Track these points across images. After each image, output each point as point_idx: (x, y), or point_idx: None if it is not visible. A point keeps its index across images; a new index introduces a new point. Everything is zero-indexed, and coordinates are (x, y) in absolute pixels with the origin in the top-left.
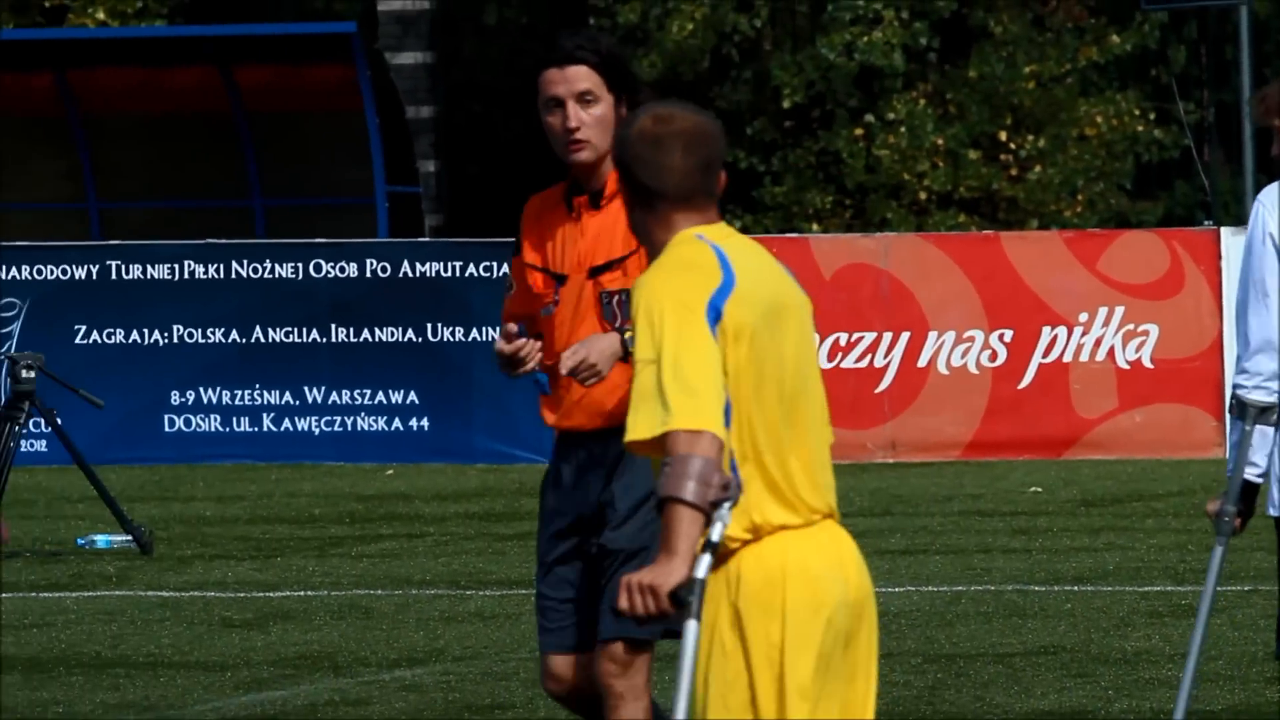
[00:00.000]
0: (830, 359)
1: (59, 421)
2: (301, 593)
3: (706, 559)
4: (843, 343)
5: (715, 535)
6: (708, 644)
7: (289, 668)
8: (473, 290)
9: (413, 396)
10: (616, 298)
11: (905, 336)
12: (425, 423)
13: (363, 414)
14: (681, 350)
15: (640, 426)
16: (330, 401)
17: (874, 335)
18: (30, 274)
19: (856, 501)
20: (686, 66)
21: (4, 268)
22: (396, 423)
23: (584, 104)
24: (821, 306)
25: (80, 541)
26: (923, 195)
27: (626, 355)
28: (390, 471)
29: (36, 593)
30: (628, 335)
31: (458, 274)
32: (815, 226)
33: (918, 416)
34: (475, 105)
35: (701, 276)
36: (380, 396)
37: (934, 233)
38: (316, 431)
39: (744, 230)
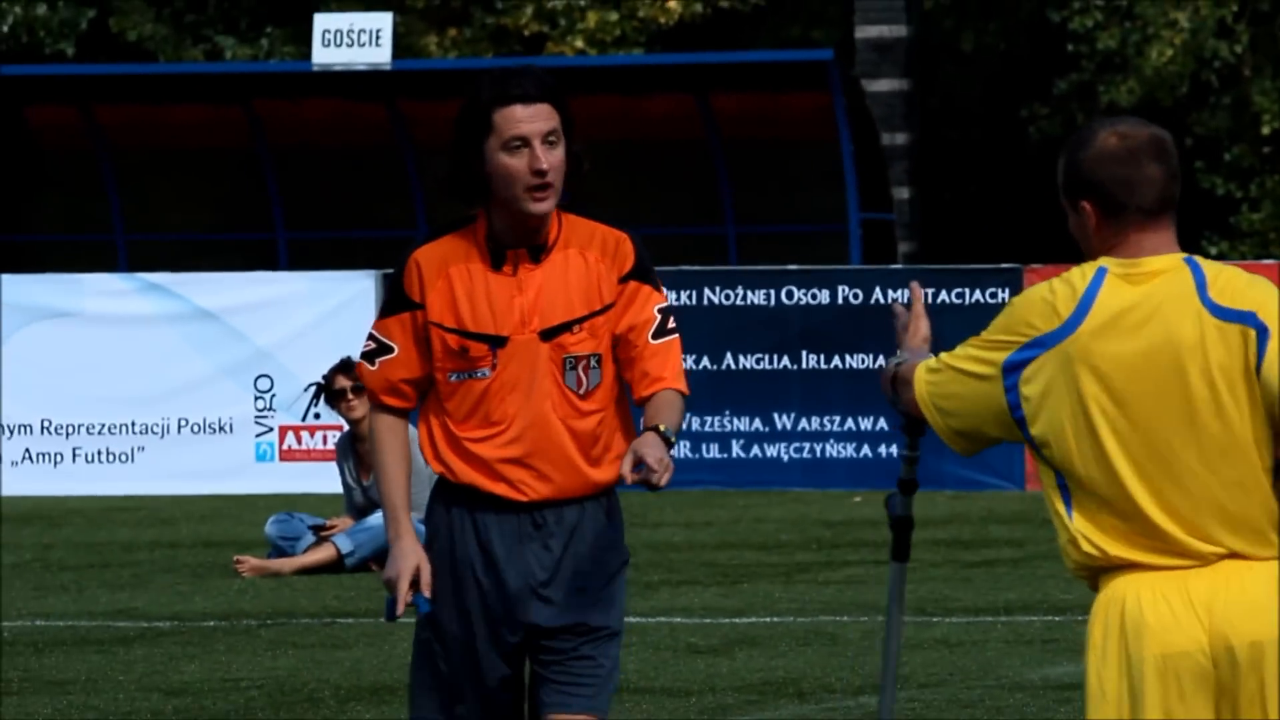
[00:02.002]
0: None
1: None
2: (768, 619)
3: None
4: None
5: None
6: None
7: (754, 694)
8: (944, 316)
9: (881, 423)
10: (584, 362)
11: None
12: (894, 449)
13: (831, 440)
14: None
15: None
16: (800, 428)
17: None
18: None
19: None
20: (1165, 93)
21: None
22: (865, 449)
23: (548, 145)
24: None
25: None
26: None
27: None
28: (858, 499)
29: None
30: (663, 429)
31: (929, 300)
32: None
33: None
34: (951, 132)
35: None
36: (850, 423)
37: None
38: (785, 458)
39: (1220, 257)
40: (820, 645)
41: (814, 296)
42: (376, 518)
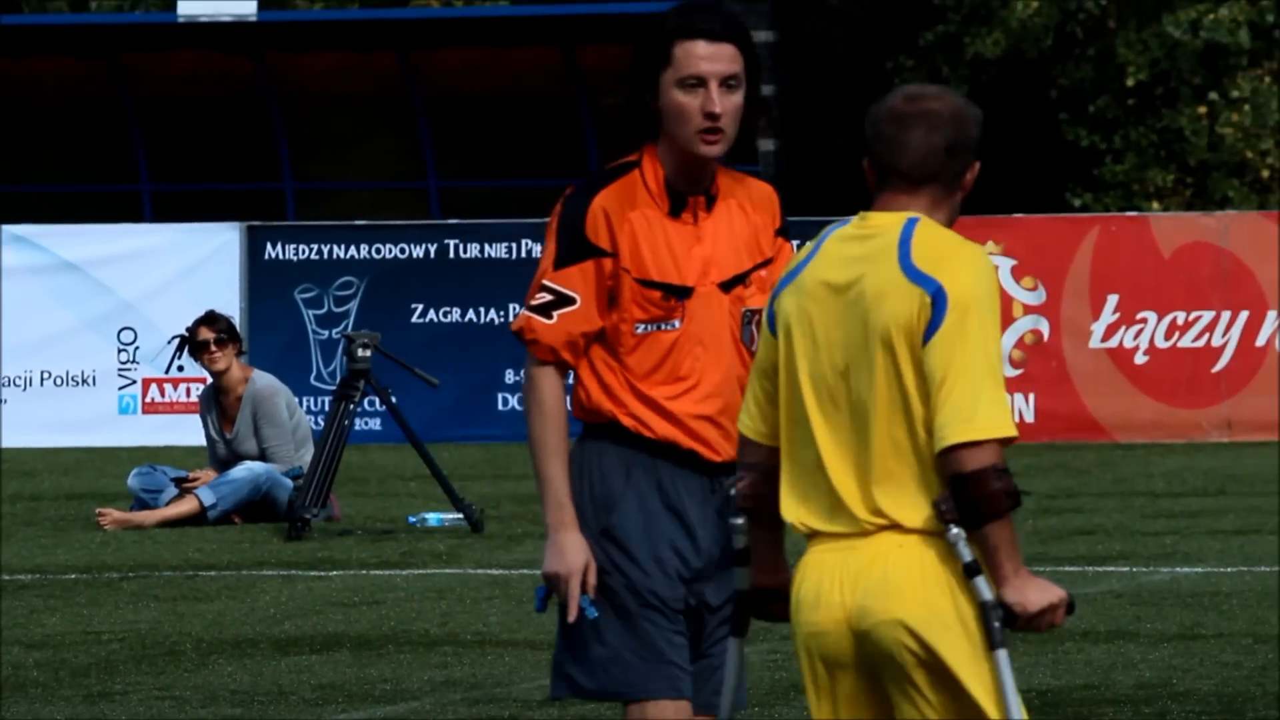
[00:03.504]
0: (1167, 338)
1: (393, 400)
2: None
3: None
4: (1180, 321)
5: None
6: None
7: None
8: None
9: None
10: (756, 317)
11: (1244, 315)
12: None
13: None
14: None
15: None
16: None
17: (1212, 314)
18: (369, 253)
19: (1190, 481)
20: (1030, 45)
21: (343, 246)
22: None
23: (727, 89)
24: (1160, 285)
25: (411, 519)
26: (1265, 173)
27: None
28: None
29: (367, 570)
30: None
31: (795, 250)
32: (1156, 205)
33: (1254, 396)
34: (817, 84)
35: None
36: None
37: (1275, 210)
38: None
39: (1084, 208)
40: None
41: None
42: (239, 470)
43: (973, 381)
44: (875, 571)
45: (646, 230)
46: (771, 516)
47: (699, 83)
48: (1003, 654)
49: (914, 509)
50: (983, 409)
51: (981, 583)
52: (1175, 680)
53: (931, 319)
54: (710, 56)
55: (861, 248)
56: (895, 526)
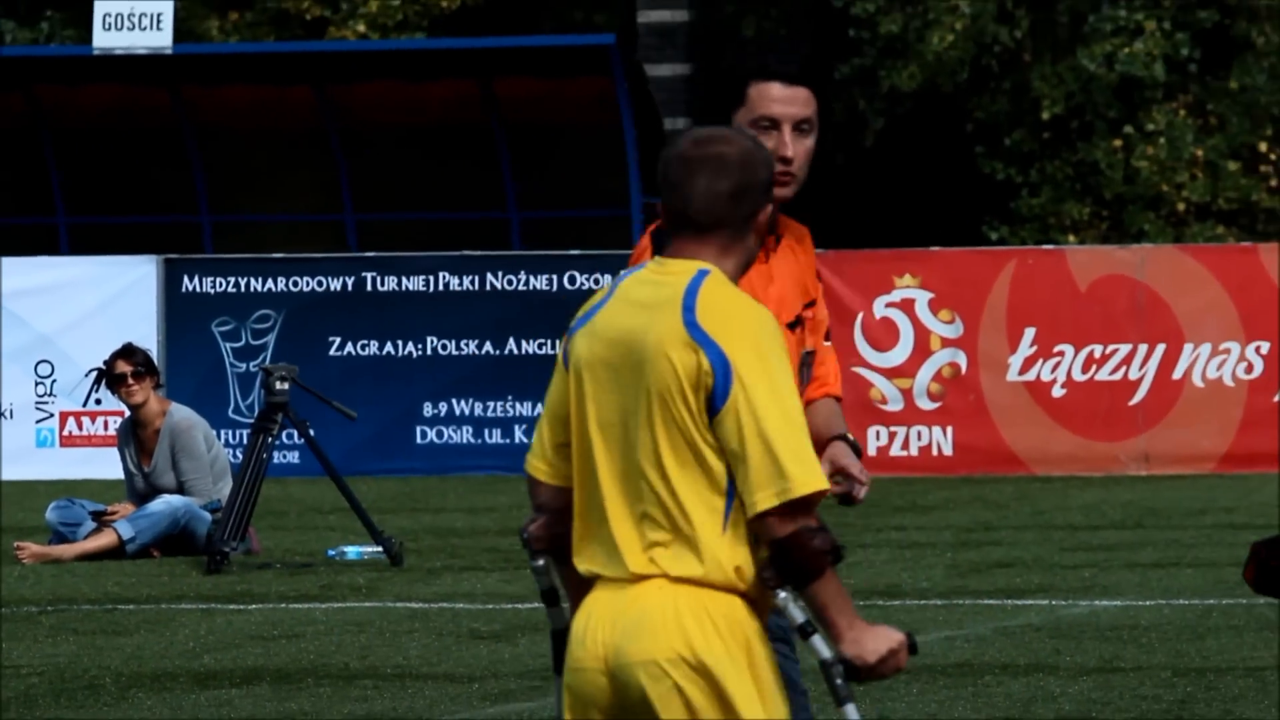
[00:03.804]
0: (1084, 371)
1: (311, 433)
2: None
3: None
4: (1097, 355)
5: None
6: None
7: (537, 679)
8: None
9: None
10: (809, 358)
11: (1161, 348)
12: None
13: None
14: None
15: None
16: None
17: (1129, 347)
18: (286, 286)
19: (1109, 514)
20: (946, 78)
21: (260, 279)
22: None
23: (800, 133)
24: (1077, 318)
25: (330, 553)
26: (1181, 206)
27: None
28: None
29: (286, 603)
30: (852, 439)
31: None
32: (1072, 238)
33: (1172, 429)
34: (733, 118)
35: None
36: None
37: (1191, 244)
38: None
39: (1001, 242)
40: None
41: (597, 281)
42: (157, 504)
43: (770, 445)
44: (633, 612)
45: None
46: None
47: (772, 125)
48: (851, 708)
49: (681, 561)
50: (786, 469)
51: (818, 641)
52: (1095, 713)
53: (716, 385)
54: (785, 99)
55: (652, 294)
56: (663, 576)
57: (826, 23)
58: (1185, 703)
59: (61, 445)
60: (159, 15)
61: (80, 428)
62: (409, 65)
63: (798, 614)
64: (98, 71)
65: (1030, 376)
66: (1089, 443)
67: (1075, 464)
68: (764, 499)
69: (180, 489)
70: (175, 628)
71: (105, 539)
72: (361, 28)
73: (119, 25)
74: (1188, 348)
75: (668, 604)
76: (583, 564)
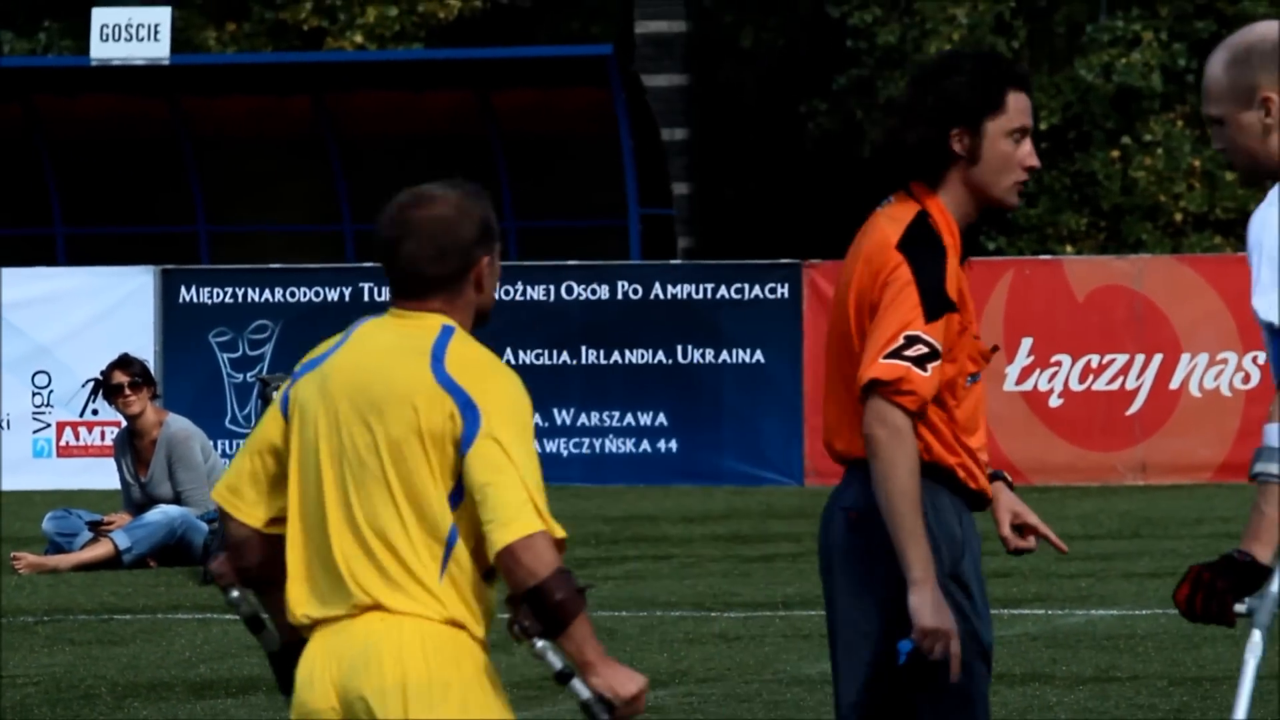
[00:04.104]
0: (1082, 381)
1: None
2: None
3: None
4: (1094, 365)
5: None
6: None
7: (532, 689)
8: (723, 312)
9: (661, 418)
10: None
11: (1158, 359)
12: (674, 445)
13: (610, 436)
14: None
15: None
16: (579, 423)
17: (1126, 357)
18: (284, 296)
19: (1105, 524)
20: None
21: (258, 290)
22: (645, 444)
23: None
24: (1074, 328)
25: None
26: (1178, 217)
27: None
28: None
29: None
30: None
31: (709, 296)
32: (1069, 248)
33: (1169, 439)
34: (731, 128)
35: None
36: (629, 419)
37: (1188, 254)
38: (565, 453)
39: (998, 252)
40: (599, 640)
41: (593, 292)
42: (154, 514)
43: (525, 483)
44: (358, 645)
45: (958, 281)
46: (264, 579)
47: (1023, 134)
48: None
49: (401, 595)
50: (540, 508)
51: (577, 684)
52: None
53: (464, 431)
54: (1029, 110)
55: (395, 342)
56: (378, 607)
57: (824, 33)
58: (1181, 712)
59: (58, 455)
60: (156, 26)
61: (77, 438)
62: (406, 76)
63: (556, 660)
64: (95, 82)
65: (1027, 386)
66: (1086, 452)
67: (1072, 474)
68: (503, 536)
69: (177, 499)
70: (171, 638)
71: (102, 549)
72: (359, 38)
73: (117, 36)
74: (1185, 358)
75: (392, 633)
76: (299, 608)
